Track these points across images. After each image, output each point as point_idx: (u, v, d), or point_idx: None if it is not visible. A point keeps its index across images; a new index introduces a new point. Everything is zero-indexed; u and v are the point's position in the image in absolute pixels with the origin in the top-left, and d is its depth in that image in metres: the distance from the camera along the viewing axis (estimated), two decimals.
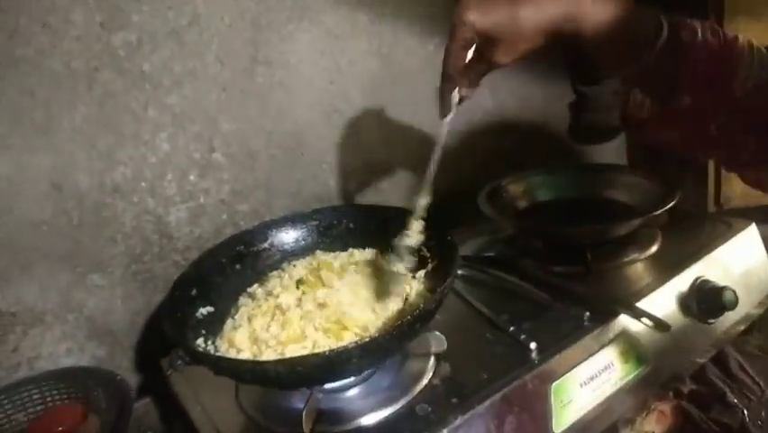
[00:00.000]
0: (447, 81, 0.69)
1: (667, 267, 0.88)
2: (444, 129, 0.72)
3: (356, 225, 0.88)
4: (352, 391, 0.72)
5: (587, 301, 0.78)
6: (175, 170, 0.97)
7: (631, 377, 0.78)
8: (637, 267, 0.91)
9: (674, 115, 0.66)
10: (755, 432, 0.79)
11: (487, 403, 0.67)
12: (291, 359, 0.59)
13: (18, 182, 0.83)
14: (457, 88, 0.69)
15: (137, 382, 1.00)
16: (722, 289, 0.83)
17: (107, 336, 0.95)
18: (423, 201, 0.74)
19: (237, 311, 0.77)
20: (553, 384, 0.71)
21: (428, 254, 0.80)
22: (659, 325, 0.73)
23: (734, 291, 0.82)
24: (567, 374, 0.73)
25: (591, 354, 0.75)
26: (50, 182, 0.86)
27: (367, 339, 0.58)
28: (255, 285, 0.82)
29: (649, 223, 0.94)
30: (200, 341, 0.72)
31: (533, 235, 1.01)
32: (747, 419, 0.81)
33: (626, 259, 0.92)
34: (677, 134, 0.69)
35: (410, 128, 1.21)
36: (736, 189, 1.23)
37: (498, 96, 1.35)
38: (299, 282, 0.78)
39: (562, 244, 0.95)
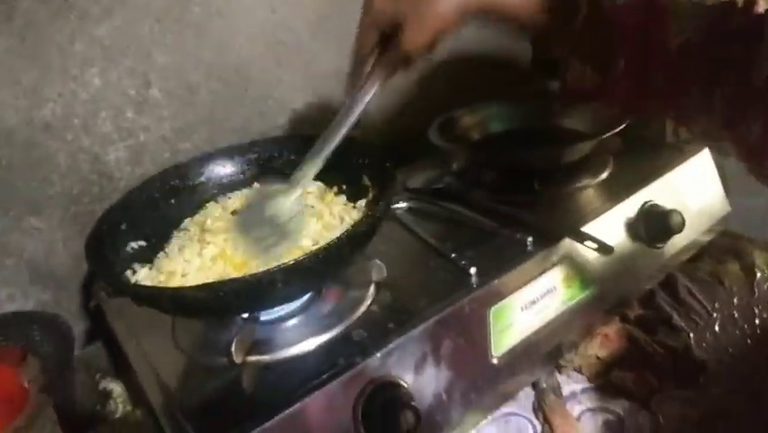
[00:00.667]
0: (354, 61, 0.68)
1: (616, 192, 0.87)
2: (355, 108, 0.69)
3: (298, 157, 0.85)
4: (291, 322, 0.71)
5: (531, 227, 0.77)
6: (109, 107, 0.93)
7: (575, 301, 0.78)
8: (587, 193, 0.89)
9: (615, 81, 0.64)
10: (700, 354, 0.79)
11: (422, 327, 0.66)
12: (211, 284, 0.57)
13: None
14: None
15: (86, 327, 0.98)
16: (669, 212, 0.82)
17: (51, 281, 0.93)
18: (309, 172, 0.72)
19: (169, 244, 0.74)
20: (492, 308, 0.70)
21: (369, 183, 0.78)
22: (602, 248, 0.72)
23: (681, 214, 0.81)
24: (507, 298, 0.72)
25: (533, 279, 0.74)
26: None
27: (291, 262, 0.56)
28: (188, 219, 0.79)
29: (601, 149, 0.92)
30: (129, 273, 0.70)
31: (483, 165, 0.99)
32: (693, 342, 0.81)
33: (576, 185, 0.90)
34: (622, 100, 0.67)
35: None
36: None
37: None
38: (234, 213, 0.75)
39: (513, 172, 0.93)
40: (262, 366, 0.64)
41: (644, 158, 0.95)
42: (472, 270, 0.72)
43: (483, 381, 0.70)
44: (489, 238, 0.79)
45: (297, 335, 0.68)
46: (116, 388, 0.86)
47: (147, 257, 0.75)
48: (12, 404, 0.66)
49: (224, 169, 0.86)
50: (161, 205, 0.80)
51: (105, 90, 0.92)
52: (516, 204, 0.87)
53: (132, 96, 0.95)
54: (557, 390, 0.77)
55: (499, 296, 0.71)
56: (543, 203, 0.88)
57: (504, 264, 0.74)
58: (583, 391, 0.79)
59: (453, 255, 0.75)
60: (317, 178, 0.78)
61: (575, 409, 0.77)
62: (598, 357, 0.80)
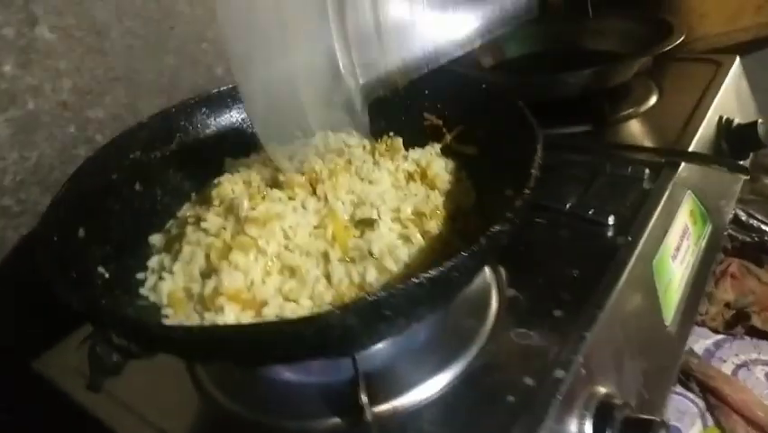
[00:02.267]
0: None
1: (680, 114, 0.74)
2: None
3: None
4: (384, 350, 0.46)
5: (643, 156, 0.60)
6: None
7: (704, 240, 0.64)
8: (647, 118, 0.75)
9: None
10: None
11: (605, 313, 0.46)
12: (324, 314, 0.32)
13: None
14: None
15: None
16: (753, 124, 0.70)
17: None
18: None
19: (178, 253, 0.45)
20: (654, 262, 0.53)
21: (438, 121, 0.55)
22: (736, 168, 0.58)
23: (765, 124, 0.70)
24: (660, 247, 0.55)
25: (669, 218, 0.59)
26: None
27: (433, 274, 0.32)
28: (186, 204, 0.51)
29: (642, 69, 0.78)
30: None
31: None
32: None
33: (629, 111, 0.76)
34: None
35: None
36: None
37: None
38: (275, 184, 0.48)
39: (556, 98, 0.75)
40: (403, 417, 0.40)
41: (683, 75, 0.83)
42: (610, 219, 0.54)
43: (661, 353, 0.54)
44: (594, 179, 0.61)
45: (411, 368, 0.44)
46: None
47: (123, 283, 0.45)
48: None
49: (203, 129, 0.57)
50: (123, 193, 0.50)
51: None
52: (574, 137, 0.71)
53: (9, 37, 0.61)
54: (693, 351, 0.63)
55: (653, 246, 0.54)
56: (607, 132, 0.72)
57: (636, 206, 0.57)
58: (720, 343, 0.66)
59: (568, 206, 0.55)
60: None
61: (723, 367, 0.63)
62: (727, 304, 0.67)
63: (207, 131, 0.57)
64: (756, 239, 0.79)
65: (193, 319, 0.40)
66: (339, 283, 0.40)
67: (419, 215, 0.46)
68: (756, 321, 0.69)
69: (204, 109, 0.57)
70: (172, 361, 0.41)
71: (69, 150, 0.68)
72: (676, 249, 0.58)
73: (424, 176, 0.52)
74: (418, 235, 0.44)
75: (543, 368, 0.43)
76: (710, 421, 0.62)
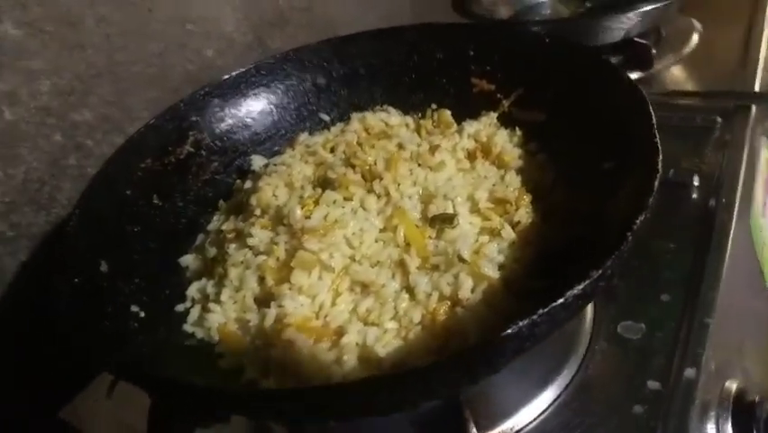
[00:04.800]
0: None
1: (730, 51, 0.67)
2: None
3: (330, 77, 0.52)
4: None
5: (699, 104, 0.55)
6: None
7: None
8: (695, 60, 0.69)
9: None
10: None
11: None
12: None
13: None
14: None
15: None
16: None
17: None
18: None
19: (222, 279, 0.38)
20: (750, 221, 0.47)
21: (490, 86, 0.48)
22: None
23: None
24: (753, 204, 0.49)
25: (752, 169, 0.53)
26: None
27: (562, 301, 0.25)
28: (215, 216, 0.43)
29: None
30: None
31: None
32: None
33: (675, 54, 0.69)
34: None
35: None
36: None
37: None
38: (325, 184, 0.40)
39: (598, 44, 0.68)
40: None
41: (721, 7, 0.76)
42: (695, 179, 0.48)
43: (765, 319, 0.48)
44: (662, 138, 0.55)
45: (524, 382, 0.38)
46: None
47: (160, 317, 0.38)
48: None
49: (219, 123, 0.49)
50: (140, 211, 0.42)
51: None
52: None
53: None
54: None
55: (746, 204, 0.48)
56: (653, 82, 0.65)
57: (717, 161, 0.50)
58: None
59: (671, 173, 0.49)
60: (373, 99, 0.48)
61: None
62: None
63: (223, 125, 0.49)
64: None
65: (255, 359, 0.34)
66: (427, 298, 0.34)
67: (500, 202, 0.39)
68: None
69: (216, 100, 0.49)
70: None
71: (59, 160, 0.59)
72: (763, 205, 0.52)
73: (487, 153, 0.45)
74: (509, 228, 0.37)
75: (667, 367, 0.37)
76: None
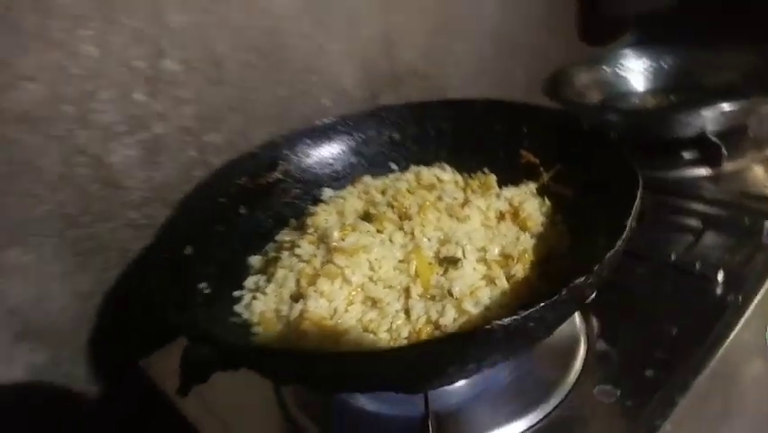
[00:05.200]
0: None
1: None
2: None
3: (401, 134, 0.61)
4: (461, 388, 0.46)
5: (757, 207, 0.57)
6: (111, 84, 0.66)
7: None
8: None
9: None
10: None
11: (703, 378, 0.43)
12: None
13: None
14: None
15: (98, 394, 0.70)
16: None
17: (46, 336, 0.65)
18: None
19: (272, 275, 0.48)
20: None
21: (534, 159, 0.55)
22: None
23: None
24: None
25: None
26: None
27: (507, 323, 0.32)
28: (284, 230, 0.54)
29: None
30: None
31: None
32: None
33: (749, 155, 0.71)
34: None
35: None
36: None
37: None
38: (366, 216, 0.50)
39: (668, 138, 0.72)
40: None
41: None
42: (719, 275, 0.51)
43: None
44: (707, 228, 0.58)
45: (484, 412, 0.44)
46: None
47: (222, 300, 0.48)
48: None
49: (305, 158, 0.60)
50: (228, 216, 0.54)
51: (103, 61, 0.65)
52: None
53: (140, 68, 0.68)
54: None
55: (764, 307, 0.50)
56: (720, 179, 0.68)
57: (751, 262, 0.53)
58: None
59: (673, 257, 0.53)
60: (437, 157, 0.55)
61: None
62: None
63: (308, 160, 0.61)
64: None
65: (280, 340, 0.43)
66: (416, 320, 0.41)
67: (506, 257, 0.46)
68: None
69: (306, 140, 0.61)
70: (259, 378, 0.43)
71: (189, 171, 0.73)
72: None
73: (515, 216, 0.52)
74: (503, 278, 0.44)
75: (626, 431, 0.41)
76: None
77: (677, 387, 0.43)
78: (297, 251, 0.48)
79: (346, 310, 0.43)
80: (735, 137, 0.73)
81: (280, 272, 0.47)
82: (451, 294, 0.42)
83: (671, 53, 0.88)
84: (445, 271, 0.45)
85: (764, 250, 0.55)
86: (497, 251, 0.47)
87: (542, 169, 0.56)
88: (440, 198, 0.52)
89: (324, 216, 0.51)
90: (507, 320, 0.32)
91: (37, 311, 0.63)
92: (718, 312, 0.50)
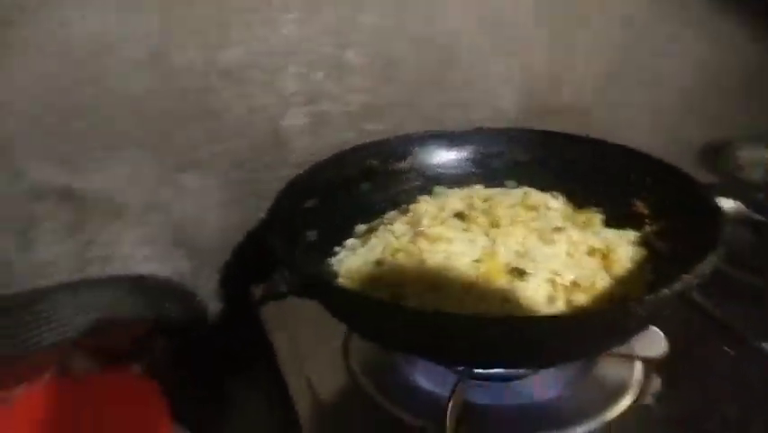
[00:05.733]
0: None
1: None
2: None
3: (525, 157, 0.65)
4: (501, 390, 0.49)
5: None
6: (299, 62, 0.77)
7: None
8: None
9: None
10: None
11: None
12: (487, 318, 0.38)
13: (111, 44, 0.65)
14: None
15: (219, 311, 0.82)
16: None
17: (194, 250, 0.78)
18: None
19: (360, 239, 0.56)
20: None
21: (645, 210, 0.56)
22: None
23: None
24: None
25: None
26: (148, 51, 0.68)
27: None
28: (393, 211, 0.62)
29: None
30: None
31: None
32: None
33: None
34: None
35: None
36: None
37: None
38: (460, 215, 0.55)
39: None
40: None
41: None
42: None
43: None
44: None
45: (519, 417, 0.47)
46: None
47: (322, 250, 0.57)
48: None
49: (433, 157, 0.67)
50: (352, 187, 0.62)
51: (298, 43, 0.76)
52: None
53: (326, 54, 0.79)
54: None
55: None
56: None
57: None
58: None
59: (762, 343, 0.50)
60: (557, 187, 0.58)
61: None
62: None
63: (435, 159, 0.67)
64: None
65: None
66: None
67: (575, 285, 0.48)
68: None
69: (438, 141, 0.67)
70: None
71: (342, 147, 0.83)
72: None
73: (605, 256, 0.53)
74: (562, 301, 0.46)
75: None
76: None
77: None
78: (391, 228, 0.55)
79: (411, 286, 0.49)
80: None
81: (373, 240, 0.54)
82: (507, 300, 0.45)
83: None
84: (512, 281, 0.48)
85: None
86: (569, 278, 0.49)
87: (647, 221, 0.56)
88: (535, 219, 0.55)
89: (424, 206, 0.57)
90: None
91: (194, 228, 0.76)
92: None
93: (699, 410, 0.47)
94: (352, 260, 0.53)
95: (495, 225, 0.54)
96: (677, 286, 0.37)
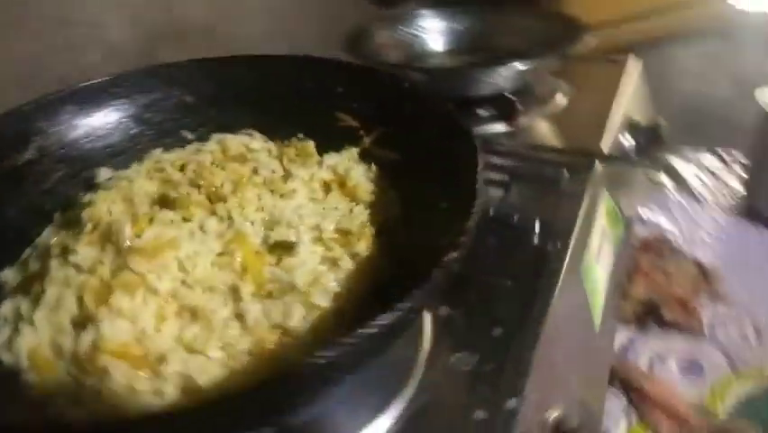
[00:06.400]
0: None
1: (591, 115, 0.73)
2: None
3: (198, 95, 0.51)
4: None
5: (560, 157, 0.58)
6: None
7: (619, 239, 0.63)
8: (560, 119, 0.74)
9: None
10: None
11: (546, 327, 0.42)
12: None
13: None
14: None
15: None
16: (657, 125, 0.71)
17: None
18: None
19: (37, 298, 0.35)
20: (581, 267, 0.51)
21: (353, 122, 0.49)
22: (653, 167, 0.58)
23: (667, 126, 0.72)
24: (586, 252, 0.53)
25: (589, 219, 0.57)
26: None
27: (388, 321, 0.26)
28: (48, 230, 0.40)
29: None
30: None
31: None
32: None
33: (541, 111, 0.75)
34: None
35: None
36: None
37: None
38: (162, 201, 0.39)
39: (470, 96, 0.71)
40: None
41: (588, 76, 0.83)
42: (536, 226, 0.50)
43: (595, 359, 0.52)
44: (512, 183, 0.58)
45: (355, 412, 0.38)
46: None
47: None
48: None
49: (70, 130, 0.46)
50: None
51: None
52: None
53: None
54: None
55: (579, 250, 0.52)
56: (518, 135, 0.70)
57: (559, 209, 0.54)
58: (633, 339, 0.68)
59: (516, 218, 0.52)
60: (240, 123, 0.47)
61: (640, 361, 0.65)
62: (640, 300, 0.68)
63: (74, 133, 0.46)
64: (655, 233, 0.81)
65: (67, 388, 0.31)
66: (256, 326, 0.33)
67: (344, 233, 0.39)
68: (666, 313, 0.70)
69: (69, 107, 0.46)
70: None
71: None
72: (598, 252, 0.56)
73: (342, 185, 0.45)
74: (347, 258, 0.37)
75: (493, 398, 0.38)
76: (634, 419, 0.61)
77: (527, 341, 0.42)
78: (73, 258, 0.35)
79: (158, 330, 0.32)
80: (522, 96, 0.75)
81: (52, 291, 0.33)
82: (294, 287, 0.34)
83: (464, 15, 0.88)
84: (279, 260, 0.37)
85: (566, 197, 0.57)
86: (332, 227, 0.40)
87: (362, 132, 0.50)
88: (255, 172, 0.43)
89: (105, 207, 0.38)
90: (385, 318, 0.25)
91: None
92: (543, 260, 0.50)
93: (479, 288, 0.47)
94: (32, 336, 0.32)
95: (217, 198, 0.40)
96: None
